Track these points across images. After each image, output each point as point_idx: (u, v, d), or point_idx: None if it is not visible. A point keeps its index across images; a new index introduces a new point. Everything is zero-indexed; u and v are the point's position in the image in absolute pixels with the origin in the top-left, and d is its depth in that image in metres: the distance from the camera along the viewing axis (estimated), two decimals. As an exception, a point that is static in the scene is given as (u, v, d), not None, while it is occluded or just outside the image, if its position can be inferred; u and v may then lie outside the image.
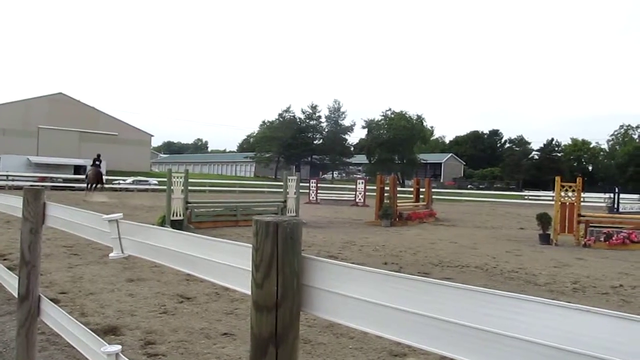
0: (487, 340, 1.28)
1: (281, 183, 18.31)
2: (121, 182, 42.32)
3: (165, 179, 15.01)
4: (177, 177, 14.53)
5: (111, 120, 63.07)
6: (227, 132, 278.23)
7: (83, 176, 38.74)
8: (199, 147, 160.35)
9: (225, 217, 15.62)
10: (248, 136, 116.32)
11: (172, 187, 14.11)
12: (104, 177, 30.53)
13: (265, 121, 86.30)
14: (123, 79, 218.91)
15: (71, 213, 3.21)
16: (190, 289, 6.68)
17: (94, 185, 27.69)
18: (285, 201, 17.16)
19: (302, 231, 1.53)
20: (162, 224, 13.73)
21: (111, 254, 2.73)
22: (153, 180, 43.49)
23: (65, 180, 40.89)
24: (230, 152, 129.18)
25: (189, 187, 15.78)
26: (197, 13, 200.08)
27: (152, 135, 70.30)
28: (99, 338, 2.87)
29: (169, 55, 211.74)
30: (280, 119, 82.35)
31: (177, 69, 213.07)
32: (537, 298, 1.20)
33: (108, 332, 4.85)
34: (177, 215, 14.14)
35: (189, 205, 14.62)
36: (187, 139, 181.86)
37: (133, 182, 42.45)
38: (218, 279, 1.93)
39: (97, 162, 28.16)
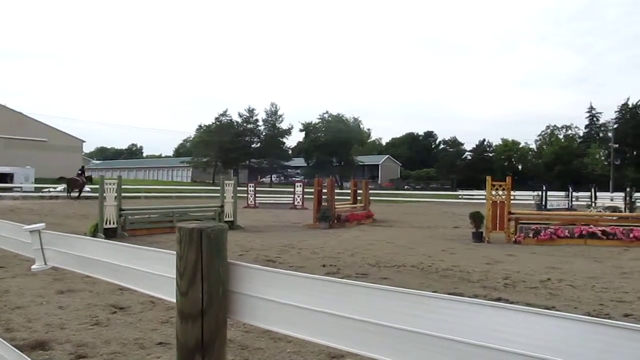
0: (419, 342, 1.29)
1: (219, 188, 18.08)
2: (51, 189, 40.70)
3: (97, 186, 14.55)
4: (110, 184, 14.13)
5: (39, 126, 60.65)
6: (162, 137, 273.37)
7: (9, 185, 39.11)
8: (134, 152, 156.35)
9: (161, 224, 15.28)
10: (184, 140, 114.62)
11: (104, 194, 13.72)
12: (83, 185, 36.03)
13: (202, 125, 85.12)
14: (52, 83, 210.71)
15: (-12, 224, 3.06)
16: (124, 298, 6.48)
17: (70, 192, 34.78)
18: (222, 206, 16.98)
19: (227, 237, 1.50)
20: (94, 232, 13.32)
21: (33, 266, 2.62)
22: (86, 188, 42.07)
23: (-10, 189, 38.93)
24: (166, 157, 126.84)
25: (123, 194, 15.38)
26: (129, 14, 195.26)
27: (84, 141, 68.13)
28: (24, 355, 2.74)
29: (101, 57, 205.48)
30: (217, 123, 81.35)
31: (108, 72, 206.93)
32: (467, 298, 1.22)
33: (36, 347, 4.64)
34: (110, 223, 13.75)
35: (122, 212, 14.23)
36: (121, 144, 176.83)
37: (64, 190, 40.90)
38: (144, 288, 1.88)
39: (79, 172, 35.32)
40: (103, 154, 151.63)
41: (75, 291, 6.86)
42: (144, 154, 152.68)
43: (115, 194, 14.02)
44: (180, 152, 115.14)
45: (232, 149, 77.28)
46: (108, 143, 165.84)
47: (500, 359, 1.15)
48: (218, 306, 1.47)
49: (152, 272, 1.84)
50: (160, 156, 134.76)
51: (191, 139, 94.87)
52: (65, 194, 36.65)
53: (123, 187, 15.06)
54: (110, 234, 13.36)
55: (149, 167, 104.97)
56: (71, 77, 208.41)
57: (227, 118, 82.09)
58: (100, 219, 13.62)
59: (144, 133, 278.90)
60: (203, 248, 1.45)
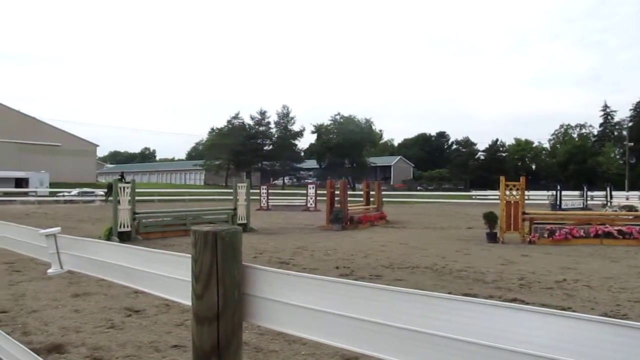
0: (432, 343, 1.28)
1: (231, 190, 18.13)
2: (66, 194, 41.06)
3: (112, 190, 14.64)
4: (124, 188, 14.23)
5: (53, 131, 61.21)
6: (175, 140, 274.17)
7: (24, 189, 39.72)
8: (147, 156, 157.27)
9: (174, 227, 15.35)
10: (197, 144, 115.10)
11: (118, 198, 13.82)
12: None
13: (214, 128, 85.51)
14: (65, 88, 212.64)
15: (4, 228, 3.09)
16: (138, 301, 6.52)
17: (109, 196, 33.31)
18: (235, 208, 17.02)
19: (242, 240, 1.50)
20: (109, 236, 13.41)
21: (49, 270, 2.64)
22: (99, 192, 42.36)
23: (6, 194, 39.33)
24: (179, 160, 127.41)
25: (137, 197, 15.47)
26: (141, 19, 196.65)
27: (98, 145, 68.68)
28: (40, 358, 2.76)
29: (113, 61, 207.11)
30: (229, 126, 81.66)
31: (121, 76, 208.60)
32: (480, 299, 1.21)
33: (52, 350, 4.68)
34: (124, 227, 13.83)
35: (136, 215, 14.32)
36: (134, 148, 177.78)
37: (78, 194, 41.22)
38: (159, 291, 1.89)
39: (119, 177, 33.71)
40: (116, 157, 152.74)
41: (91, 294, 6.91)
42: (157, 158, 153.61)
43: (129, 198, 14.10)
44: (193, 155, 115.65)
45: (245, 151, 77.49)
46: (121, 147, 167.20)
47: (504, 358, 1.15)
48: (234, 309, 1.47)
49: (166, 275, 1.84)
50: (173, 159, 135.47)
51: (204, 142, 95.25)
52: (102, 198, 37.25)
53: (136, 190, 15.15)
54: (124, 238, 13.44)
55: (162, 170, 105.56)
56: (84, 81, 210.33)
57: (239, 121, 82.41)
58: (114, 222, 13.71)
59: (157, 136, 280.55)
60: (218, 251, 1.45)
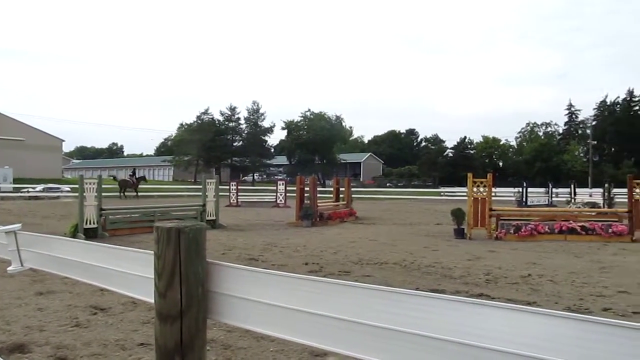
0: (400, 340, 1.28)
1: (200, 186, 17.98)
2: (30, 189, 40.16)
3: (78, 186, 14.37)
4: (90, 183, 13.98)
5: (17, 125, 59.76)
6: (143, 136, 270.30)
7: None
8: (114, 151, 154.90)
9: (142, 223, 15.13)
10: (166, 139, 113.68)
11: (84, 194, 13.57)
12: (135, 185, 38.79)
13: (184, 123, 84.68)
14: (30, 81, 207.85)
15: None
16: (104, 299, 6.41)
17: (123, 192, 37.02)
18: (204, 205, 16.88)
19: (206, 236, 1.48)
20: (74, 232, 13.17)
21: (9, 268, 2.57)
22: (65, 187, 41.51)
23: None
24: (147, 155, 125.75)
25: (104, 193, 15.22)
26: (108, 10, 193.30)
27: (64, 140, 67.32)
28: (1, 358, 2.69)
29: (80, 55, 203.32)
30: (199, 121, 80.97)
31: (88, 70, 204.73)
32: (446, 295, 1.22)
33: (14, 350, 4.56)
34: (90, 223, 13.59)
35: (103, 212, 14.08)
36: (102, 143, 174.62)
37: (43, 190, 40.36)
38: (122, 288, 1.85)
39: (130, 174, 37.88)
40: (83, 153, 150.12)
41: (55, 292, 6.77)
42: (125, 153, 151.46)
43: (96, 194, 13.86)
44: (161, 150, 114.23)
45: (214, 147, 76.97)
46: (88, 142, 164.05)
47: (480, 356, 1.15)
48: (197, 306, 1.44)
49: (130, 272, 1.81)
50: (141, 155, 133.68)
51: (173, 137, 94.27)
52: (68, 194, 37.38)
53: (103, 186, 14.91)
54: (90, 234, 13.20)
55: (130, 166, 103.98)
56: (49, 75, 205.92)
57: (209, 116, 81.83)
58: (80, 219, 13.47)
59: (125, 132, 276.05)
60: (181, 248, 1.42)
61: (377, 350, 1.31)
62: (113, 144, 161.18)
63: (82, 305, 6.13)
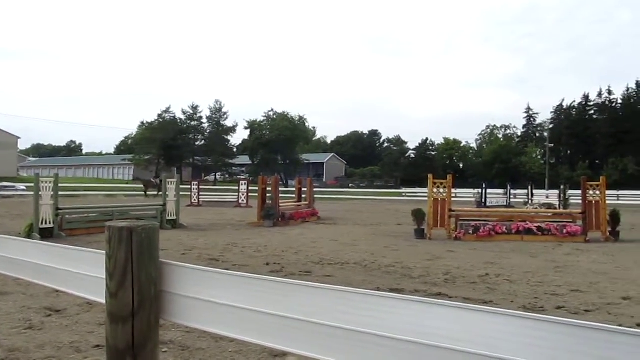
0: (354, 340, 1.29)
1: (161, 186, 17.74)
2: (-16, 188, 38.98)
3: (33, 184, 14.01)
4: (46, 182, 13.65)
5: (-30, 122, 58.00)
6: (103, 134, 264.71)
7: None
8: (73, 149, 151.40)
9: (100, 223, 14.75)
10: (126, 138, 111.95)
11: (40, 193, 13.24)
12: (157, 186, 37.84)
13: (144, 122, 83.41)
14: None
15: None
16: (59, 300, 6.26)
17: (146, 192, 39.04)
18: (164, 204, 16.67)
19: (159, 236, 1.47)
20: (29, 232, 12.83)
21: (-44, 269, 2.49)
22: (21, 186, 40.40)
23: None
24: (107, 154, 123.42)
25: (61, 193, 14.89)
26: (67, 6, 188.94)
27: (19, 138, 65.62)
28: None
29: (37, 49, 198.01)
30: (160, 120, 79.87)
31: (46, 65, 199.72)
32: (394, 295, 1.23)
33: (-37, 353, 4.43)
34: (46, 223, 13.27)
35: (59, 211, 13.76)
36: (59, 141, 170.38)
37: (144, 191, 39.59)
38: (74, 289, 1.82)
39: (154, 177, 39.79)
40: (39, 151, 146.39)
41: (8, 294, 6.59)
42: (84, 151, 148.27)
43: (52, 193, 13.54)
44: (121, 149, 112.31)
45: (176, 146, 76.09)
46: (45, 140, 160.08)
47: (433, 355, 1.17)
48: (150, 307, 1.43)
49: (83, 273, 1.77)
50: (100, 153, 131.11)
51: (133, 136, 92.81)
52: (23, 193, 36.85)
53: (60, 185, 14.58)
54: (46, 234, 12.89)
55: (89, 164, 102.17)
56: (4, 70, 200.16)
57: (171, 115, 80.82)
58: (35, 218, 13.13)
59: (84, 129, 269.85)
60: (133, 247, 1.40)
61: (332, 350, 1.32)
62: (71, 141, 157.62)
63: (36, 307, 5.98)
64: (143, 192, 39.53)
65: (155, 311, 1.44)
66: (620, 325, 5.55)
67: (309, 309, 1.31)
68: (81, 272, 1.80)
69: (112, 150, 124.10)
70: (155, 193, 37.56)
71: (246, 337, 1.39)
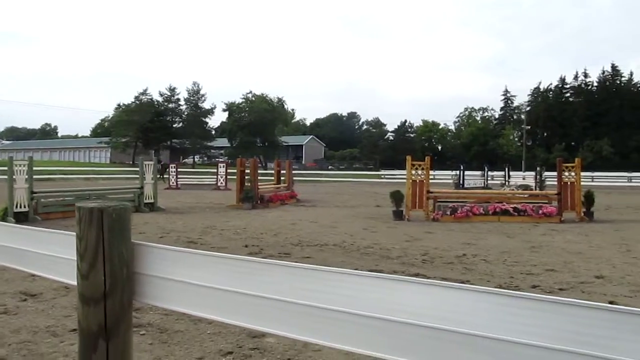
0: (329, 318, 1.29)
1: (138, 169, 17.57)
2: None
3: (6, 168, 13.77)
4: (20, 166, 13.43)
5: (-60, 104, 56.71)
6: (78, 116, 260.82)
7: None
8: (47, 132, 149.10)
9: (76, 207, 14.67)
10: (102, 120, 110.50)
11: (14, 177, 13.03)
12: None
13: (121, 104, 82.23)
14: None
15: None
16: (35, 285, 6.19)
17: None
18: (142, 187, 16.53)
19: (131, 216, 1.44)
20: (3, 216, 12.65)
21: None
22: (-7, 169, 39.71)
23: None
24: (83, 137, 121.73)
25: (36, 176, 14.67)
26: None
27: (-8, 120, 64.34)
28: None
29: (10, 29, 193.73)
30: (137, 102, 78.77)
31: (18, 45, 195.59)
32: (360, 272, 1.23)
33: None
34: (21, 207, 13.09)
35: (34, 195, 13.57)
36: (34, 124, 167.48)
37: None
38: (47, 272, 1.79)
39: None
40: (14, 134, 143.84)
41: (-19, 279, 6.50)
42: (59, 134, 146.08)
43: (26, 176, 13.34)
44: (98, 132, 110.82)
45: (153, 128, 75.22)
46: (19, 123, 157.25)
47: (402, 330, 1.18)
48: (122, 288, 1.41)
49: (54, 255, 1.75)
50: (76, 136, 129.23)
51: (109, 118, 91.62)
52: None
53: (36, 168, 14.38)
54: (21, 218, 12.71)
55: (65, 147, 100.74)
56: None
57: (148, 97, 79.72)
58: (9, 202, 12.94)
59: (59, 112, 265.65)
60: (104, 228, 1.38)
61: (307, 329, 1.32)
62: (46, 124, 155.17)
63: (11, 292, 5.91)
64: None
65: (128, 293, 1.43)
66: (593, 303, 5.68)
67: (279, 288, 1.31)
68: (54, 255, 1.77)
69: (88, 133, 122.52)
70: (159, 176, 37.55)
71: (219, 317, 1.39)
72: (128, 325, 1.44)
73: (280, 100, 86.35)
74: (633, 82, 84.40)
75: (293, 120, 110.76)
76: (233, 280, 1.37)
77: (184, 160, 78.16)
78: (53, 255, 1.77)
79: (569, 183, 14.84)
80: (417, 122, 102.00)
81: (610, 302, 5.72)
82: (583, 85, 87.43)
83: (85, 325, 1.40)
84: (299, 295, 1.32)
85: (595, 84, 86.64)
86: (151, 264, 1.46)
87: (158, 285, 1.45)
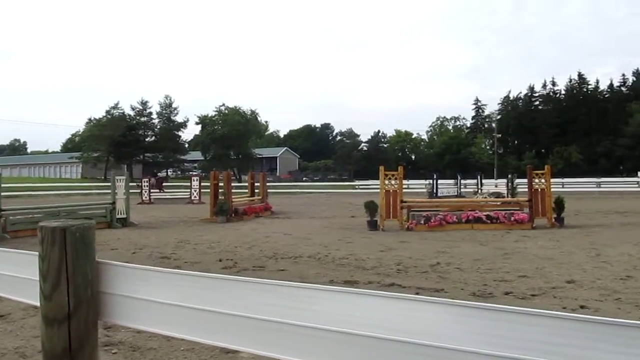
0: (294, 333, 1.28)
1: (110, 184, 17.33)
2: None
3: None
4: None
5: None
6: (48, 132, 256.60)
7: None
8: (17, 148, 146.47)
9: (46, 224, 14.40)
10: (73, 135, 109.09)
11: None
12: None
13: (92, 118, 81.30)
14: None
15: None
16: (3, 305, 6.04)
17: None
18: (114, 202, 16.30)
19: (95, 235, 1.42)
20: (-30, 235, 12.37)
21: None
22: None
23: None
24: (53, 152, 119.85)
25: (5, 193, 14.39)
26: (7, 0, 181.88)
27: (-42, 137, 63.01)
28: None
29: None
30: (108, 116, 77.97)
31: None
32: (331, 287, 1.23)
33: None
34: (-12, 225, 12.81)
35: (2, 212, 13.29)
36: (2, 139, 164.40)
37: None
38: (11, 293, 1.75)
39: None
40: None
41: (-53, 300, 6.33)
42: (29, 150, 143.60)
43: (-6, 194, 13.06)
44: (68, 147, 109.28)
45: (125, 143, 74.50)
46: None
47: (371, 344, 1.18)
48: (87, 309, 1.38)
49: (18, 276, 1.71)
50: (46, 152, 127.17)
51: (80, 133, 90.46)
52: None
53: (4, 185, 14.09)
54: (-12, 237, 12.44)
55: (35, 163, 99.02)
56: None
57: (119, 111, 78.98)
58: (-24, 220, 12.66)
59: (28, 127, 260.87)
60: (67, 248, 1.36)
61: (277, 345, 1.31)
62: (15, 140, 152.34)
63: (-22, 313, 5.76)
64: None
65: (93, 313, 1.40)
66: (564, 308, 5.75)
67: (250, 304, 1.30)
68: (16, 275, 1.73)
69: (58, 149, 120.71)
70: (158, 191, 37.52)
71: (187, 335, 1.37)
72: (93, 345, 1.42)
73: (253, 112, 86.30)
74: (599, 90, 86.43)
75: (267, 132, 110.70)
76: (200, 298, 1.36)
77: (157, 175, 77.45)
78: (16, 275, 1.74)
79: (539, 190, 15.07)
80: (390, 132, 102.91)
81: (581, 307, 5.81)
82: (551, 94, 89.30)
83: (49, 347, 1.37)
84: (268, 312, 1.31)
85: (563, 92, 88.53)
86: (116, 282, 1.43)
87: (124, 305, 1.43)
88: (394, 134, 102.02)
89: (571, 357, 1.04)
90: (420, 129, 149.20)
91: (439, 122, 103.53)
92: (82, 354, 1.38)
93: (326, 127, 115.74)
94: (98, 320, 1.44)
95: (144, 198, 30.81)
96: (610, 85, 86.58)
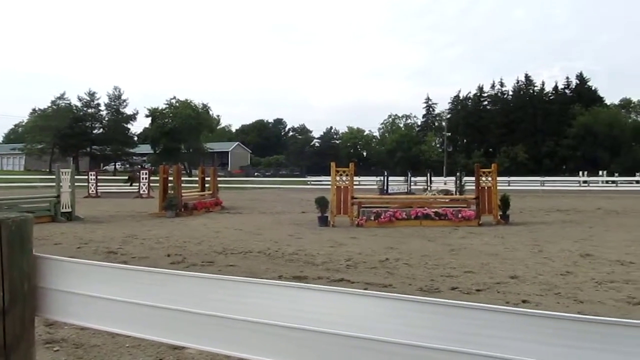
0: (242, 329, 1.27)
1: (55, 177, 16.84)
2: None
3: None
4: None
5: None
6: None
7: None
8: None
9: (-14, 217, 13.88)
10: (16, 125, 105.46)
11: None
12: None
13: (37, 109, 78.69)
14: None
15: None
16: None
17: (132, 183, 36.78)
18: (58, 196, 15.84)
19: (32, 228, 1.38)
20: None
21: None
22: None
23: None
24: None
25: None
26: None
27: None
28: None
29: None
30: (54, 107, 75.60)
31: None
32: (268, 280, 1.23)
33: None
34: None
35: (-62, 205, 12.75)
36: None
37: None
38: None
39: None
40: None
41: None
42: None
43: None
44: (11, 138, 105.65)
45: (71, 134, 72.46)
46: None
47: (316, 339, 1.19)
48: (23, 304, 1.34)
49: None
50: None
51: (24, 124, 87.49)
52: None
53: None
54: None
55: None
56: None
57: (66, 102, 76.67)
58: None
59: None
60: (3, 241, 1.31)
61: (219, 340, 1.30)
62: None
63: None
64: (129, 184, 37.58)
65: (30, 308, 1.36)
66: (507, 302, 5.91)
67: (193, 299, 1.29)
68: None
69: (0, 139, 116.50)
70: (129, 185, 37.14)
71: (129, 331, 1.35)
72: (30, 342, 1.37)
73: (205, 106, 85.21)
74: (545, 92, 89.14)
75: (218, 127, 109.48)
76: (143, 293, 1.34)
77: (104, 168, 75.64)
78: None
79: (486, 188, 15.44)
80: (342, 129, 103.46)
81: (523, 301, 5.99)
82: (499, 94, 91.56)
83: (-18, 345, 1.32)
84: (214, 307, 1.30)
85: (511, 93, 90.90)
86: (55, 277, 1.39)
87: (64, 300, 1.39)
88: (346, 130, 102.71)
89: (496, 347, 1.07)
90: (372, 126, 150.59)
91: (390, 119, 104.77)
92: (18, 351, 1.34)
93: (279, 122, 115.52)
94: (36, 317, 1.39)
95: (90, 192, 30.07)
96: (555, 88, 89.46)
